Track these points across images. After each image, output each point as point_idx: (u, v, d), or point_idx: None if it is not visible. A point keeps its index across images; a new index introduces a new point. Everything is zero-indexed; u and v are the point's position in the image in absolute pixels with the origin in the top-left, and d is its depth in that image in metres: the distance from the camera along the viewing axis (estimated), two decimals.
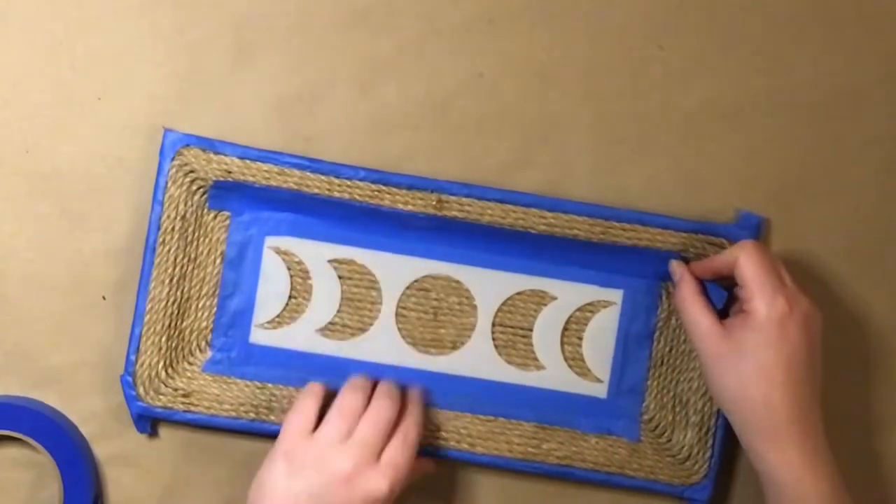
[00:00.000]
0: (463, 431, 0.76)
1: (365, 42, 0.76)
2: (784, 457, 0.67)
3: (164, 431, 0.77)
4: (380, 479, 0.68)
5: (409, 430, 0.70)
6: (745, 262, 0.69)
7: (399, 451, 0.69)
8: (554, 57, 0.77)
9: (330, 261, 0.76)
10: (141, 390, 0.74)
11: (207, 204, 0.75)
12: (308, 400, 0.71)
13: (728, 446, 0.76)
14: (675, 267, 0.74)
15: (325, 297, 0.76)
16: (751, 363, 0.67)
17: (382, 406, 0.70)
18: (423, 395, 0.75)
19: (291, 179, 0.74)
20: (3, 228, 0.76)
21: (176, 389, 0.75)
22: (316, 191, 0.74)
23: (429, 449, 0.75)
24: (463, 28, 0.76)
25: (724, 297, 0.73)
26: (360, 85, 0.76)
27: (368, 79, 0.76)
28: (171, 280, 0.74)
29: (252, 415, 0.75)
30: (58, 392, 0.76)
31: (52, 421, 0.74)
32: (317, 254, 0.76)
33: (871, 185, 0.78)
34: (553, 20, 0.77)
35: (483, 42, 0.77)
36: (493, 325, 0.77)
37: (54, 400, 0.76)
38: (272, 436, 0.72)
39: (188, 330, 0.75)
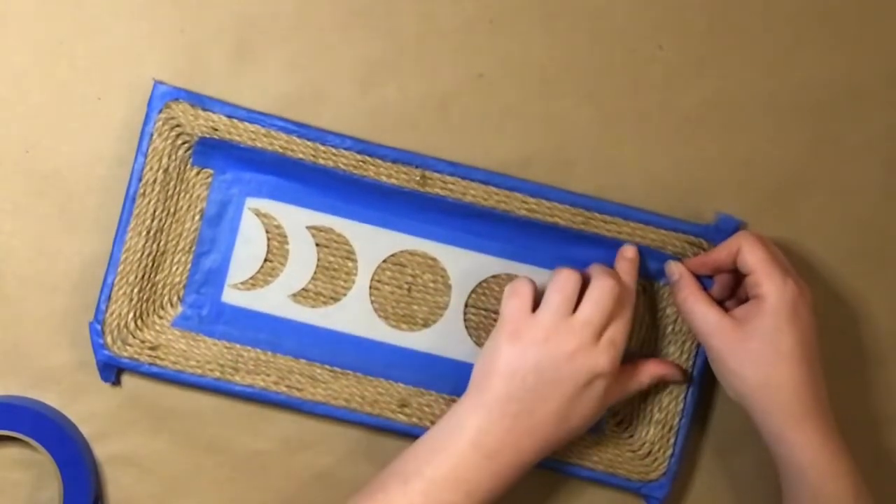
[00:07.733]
0: (427, 409, 0.75)
1: (365, 42, 0.76)
2: (806, 436, 0.68)
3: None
4: (600, 357, 0.69)
5: (627, 312, 0.71)
6: (750, 249, 0.69)
7: (619, 331, 0.70)
8: (554, 57, 0.77)
9: (309, 227, 0.76)
10: (108, 339, 0.74)
11: (191, 160, 0.75)
12: (523, 282, 0.71)
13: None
14: (673, 267, 0.74)
15: (301, 263, 0.76)
16: (770, 348, 0.68)
17: (605, 284, 0.70)
18: (634, 267, 0.74)
19: (277, 142, 0.74)
20: (3, 228, 0.76)
21: (143, 341, 0.74)
22: (301, 156, 0.74)
23: (394, 423, 0.75)
24: (463, 28, 0.76)
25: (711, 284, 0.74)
26: (360, 85, 0.76)
27: (368, 79, 0.76)
28: (148, 232, 0.74)
29: (217, 374, 0.75)
30: (58, 392, 0.76)
31: (52, 421, 0.74)
32: (296, 219, 0.76)
33: (871, 185, 0.78)
34: (553, 20, 0.77)
35: (483, 42, 0.77)
36: (467, 305, 0.77)
37: (54, 400, 0.76)
38: (235, 396, 0.75)
39: (161, 284, 0.75)
